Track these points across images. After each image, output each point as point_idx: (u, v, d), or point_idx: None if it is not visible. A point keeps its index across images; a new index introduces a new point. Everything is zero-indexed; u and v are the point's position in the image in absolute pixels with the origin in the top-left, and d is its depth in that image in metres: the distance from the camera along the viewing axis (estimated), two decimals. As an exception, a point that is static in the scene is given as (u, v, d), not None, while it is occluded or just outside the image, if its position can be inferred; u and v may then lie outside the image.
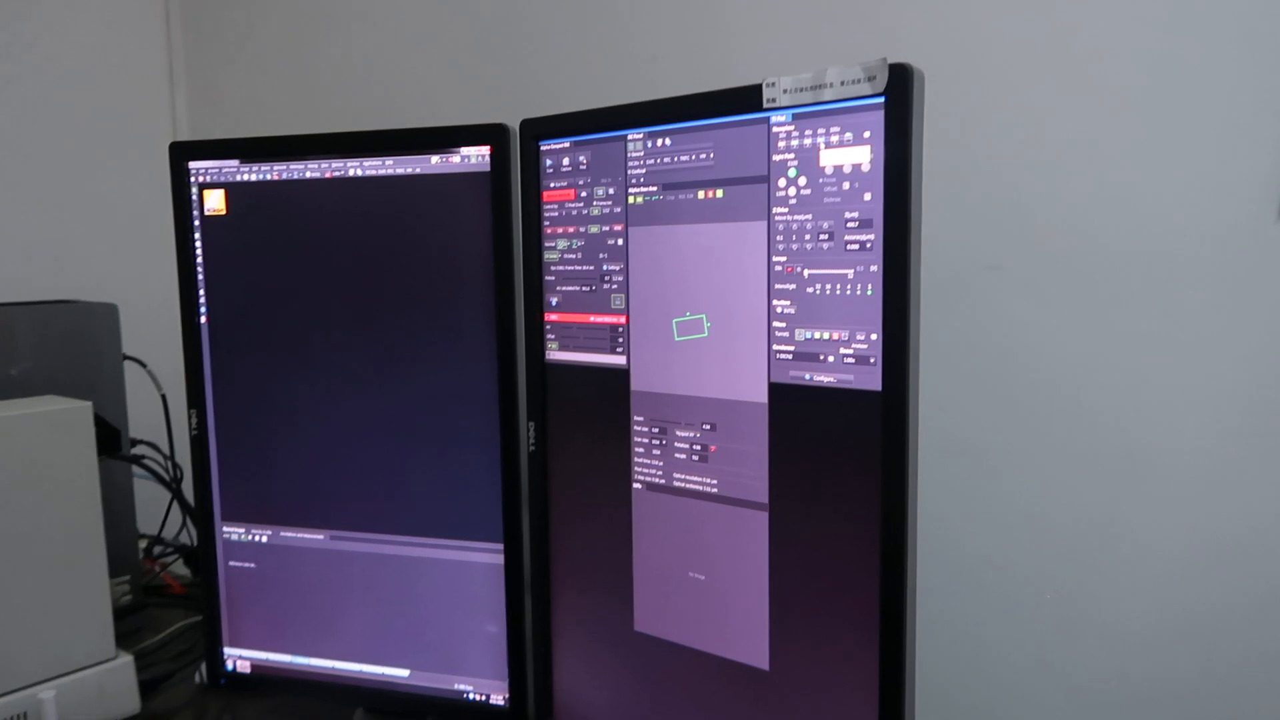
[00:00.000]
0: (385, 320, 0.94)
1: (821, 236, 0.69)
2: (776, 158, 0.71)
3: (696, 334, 0.78)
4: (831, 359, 0.70)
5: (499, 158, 0.89)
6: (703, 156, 0.76)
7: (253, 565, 1.03)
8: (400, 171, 0.92)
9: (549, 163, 0.87)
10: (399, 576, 0.98)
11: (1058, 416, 0.94)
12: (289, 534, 1.01)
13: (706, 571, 0.80)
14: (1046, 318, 0.94)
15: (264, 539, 1.02)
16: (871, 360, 0.67)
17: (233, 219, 0.98)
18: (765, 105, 0.71)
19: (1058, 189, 0.92)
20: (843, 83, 0.66)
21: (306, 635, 1.02)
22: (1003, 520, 0.98)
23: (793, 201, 0.70)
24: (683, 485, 0.81)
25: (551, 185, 0.87)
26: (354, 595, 1.00)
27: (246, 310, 0.99)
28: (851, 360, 0.69)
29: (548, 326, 0.89)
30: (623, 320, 0.83)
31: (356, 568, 0.99)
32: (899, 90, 0.64)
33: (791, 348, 0.72)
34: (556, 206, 0.87)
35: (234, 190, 0.98)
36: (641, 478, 0.84)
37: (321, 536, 1.00)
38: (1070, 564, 0.96)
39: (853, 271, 0.68)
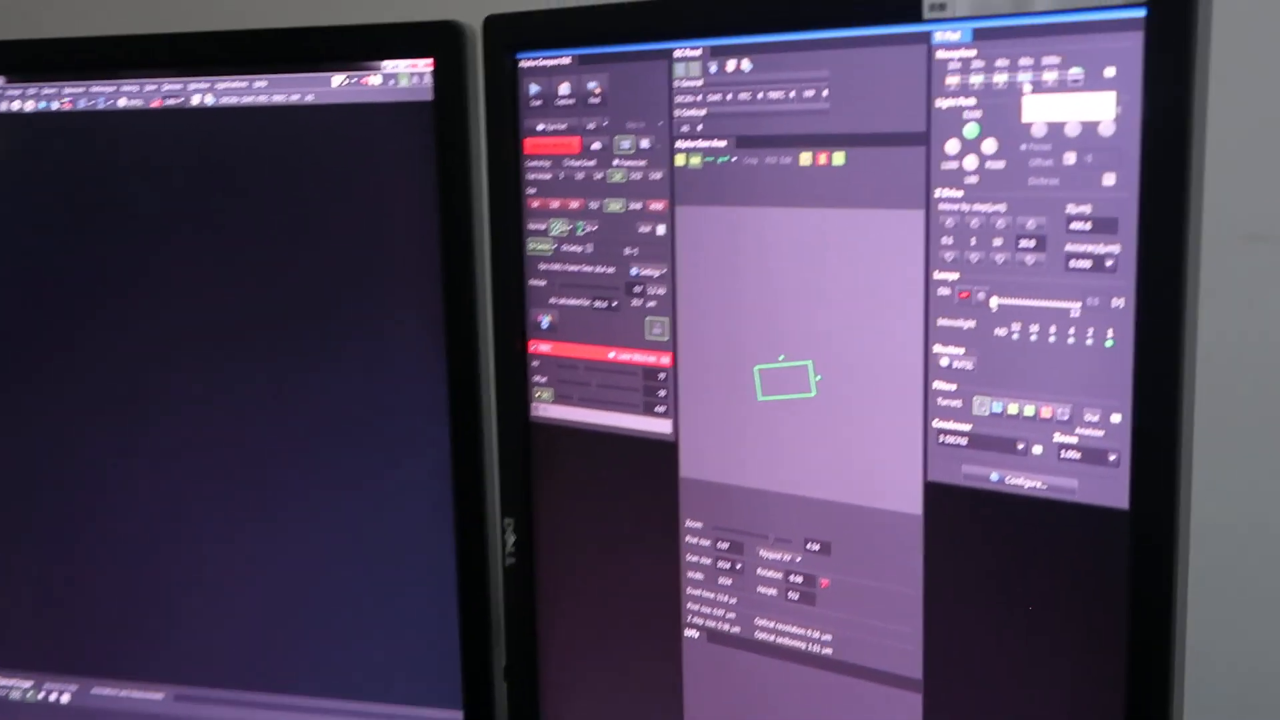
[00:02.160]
0: (262, 351, 0.93)
1: (1024, 243, 0.67)
2: (945, 103, 0.68)
3: (797, 393, 0.76)
4: (1039, 450, 0.68)
5: (449, 78, 0.87)
6: (809, 94, 0.73)
7: (48, 740, 1.03)
8: (279, 100, 0.91)
9: (536, 89, 0.85)
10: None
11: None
12: (106, 691, 1.00)
13: (814, 781, 0.80)
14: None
15: (64, 699, 1.01)
16: (1111, 457, 0.65)
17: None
18: (928, 13, 0.68)
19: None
20: (1070, -20, 0.65)
21: None
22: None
23: (972, 180, 0.68)
24: (769, 639, 0.80)
25: (541, 128, 0.84)
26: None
27: (20, 318, 0.98)
28: (1074, 455, 0.66)
29: (534, 363, 0.87)
30: (667, 361, 0.81)
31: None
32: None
33: (966, 427, 0.70)
34: (549, 163, 0.84)
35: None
36: (699, 621, 0.83)
37: (160, 696, 0.99)
38: None
39: (1080, 305, 0.65)
